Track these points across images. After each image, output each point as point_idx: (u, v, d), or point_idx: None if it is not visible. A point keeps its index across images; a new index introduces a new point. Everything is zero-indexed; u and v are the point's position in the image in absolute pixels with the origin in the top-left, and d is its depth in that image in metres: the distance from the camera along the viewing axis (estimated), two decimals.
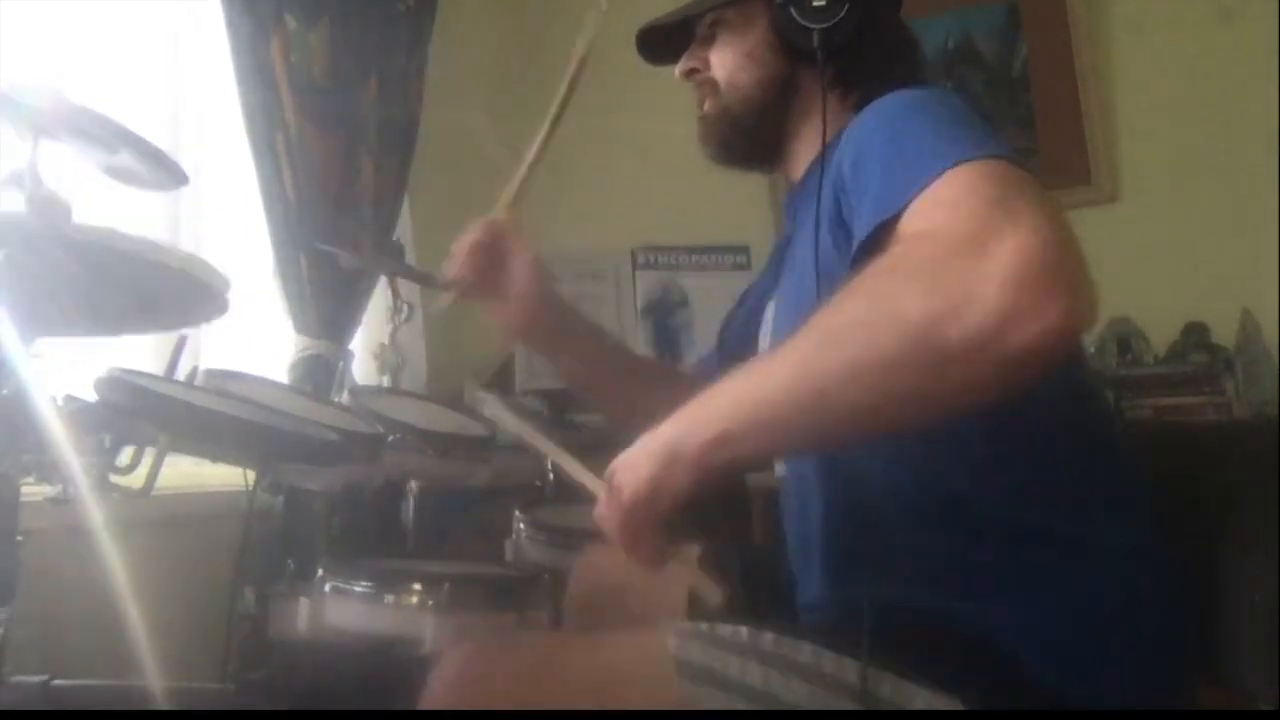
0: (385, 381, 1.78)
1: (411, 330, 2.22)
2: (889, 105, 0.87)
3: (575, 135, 3.00)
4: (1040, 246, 0.66)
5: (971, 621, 0.82)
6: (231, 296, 1.07)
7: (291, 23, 2.00)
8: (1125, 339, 2.22)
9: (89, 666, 1.30)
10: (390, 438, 1.29)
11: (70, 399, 0.97)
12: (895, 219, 0.75)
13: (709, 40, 1.12)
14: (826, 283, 0.86)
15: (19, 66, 1.54)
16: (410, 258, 2.26)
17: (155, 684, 1.12)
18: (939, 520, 0.88)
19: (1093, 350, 2.25)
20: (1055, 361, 0.67)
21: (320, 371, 2.02)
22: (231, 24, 1.97)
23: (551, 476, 1.96)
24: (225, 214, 2.01)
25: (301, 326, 2.06)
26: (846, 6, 0.99)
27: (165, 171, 1.10)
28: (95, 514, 1.00)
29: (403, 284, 1.86)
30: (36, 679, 1.08)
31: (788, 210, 1.13)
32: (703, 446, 0.77)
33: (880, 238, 0.77)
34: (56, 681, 1.09)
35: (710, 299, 1.96)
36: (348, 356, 2.10)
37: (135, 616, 1.19)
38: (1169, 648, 0.87)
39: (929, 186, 0.74)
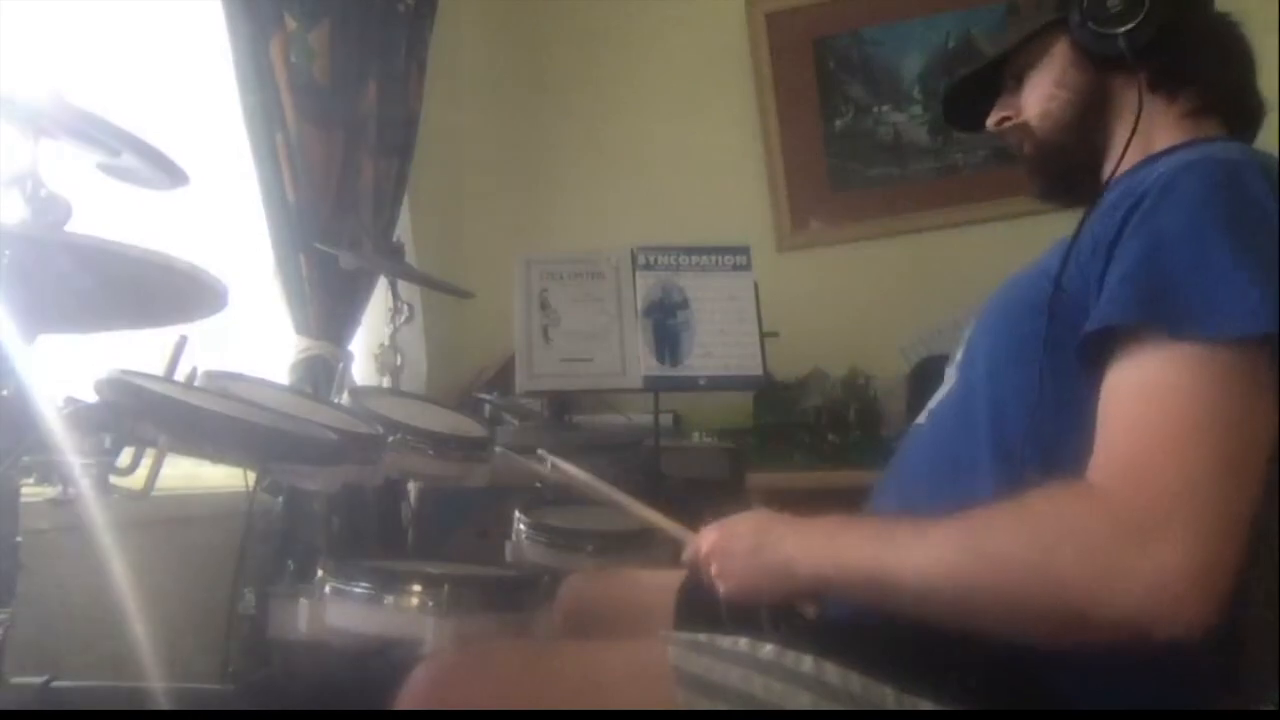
0: (385, 382, 1.78)
1: (411, 331, 2.22)
2: (1207, 196, 0.79)
3: (576, 136, 3.02)
4: (1190, 555, 0.68)
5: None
6: (230, 294, 1.07)
7: (291, 23, 2.00)
8: None
9: (89, 666, 1.30)
10: (390, 438, 1.29)
11: (70, 399, 0.97)
12: (1124, 328, 0.75)
13: (1017, 85, 1.07)
14: (1059, 286, 0.84)
15: (20, 67, 1.53)
16: (410, 258, 2.26)
17: (155, 684, 1.12)
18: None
19: None
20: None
21: (320, 372, 2.02)
22: (231, 24, 1.97)
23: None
24: (225, 214, 2.01)
25: (301, 327, 2.06)
26: (1147, 5, 0.94)
27: (166, 172, 1.10)
28: (95, 515, 1.00)
29: (403, 284, 1.86)
30: (36, 679, 1.08)
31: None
32: (813, 586, 0.84)
33: (1103, 339, 0.77)
34: (56, 682, 1.09)
35: (710, 299, 1.95)
36: (347, 357, 2.10)
37: (135, 616, 1.19)
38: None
39: (1172, 347, 0.73)
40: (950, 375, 0.99)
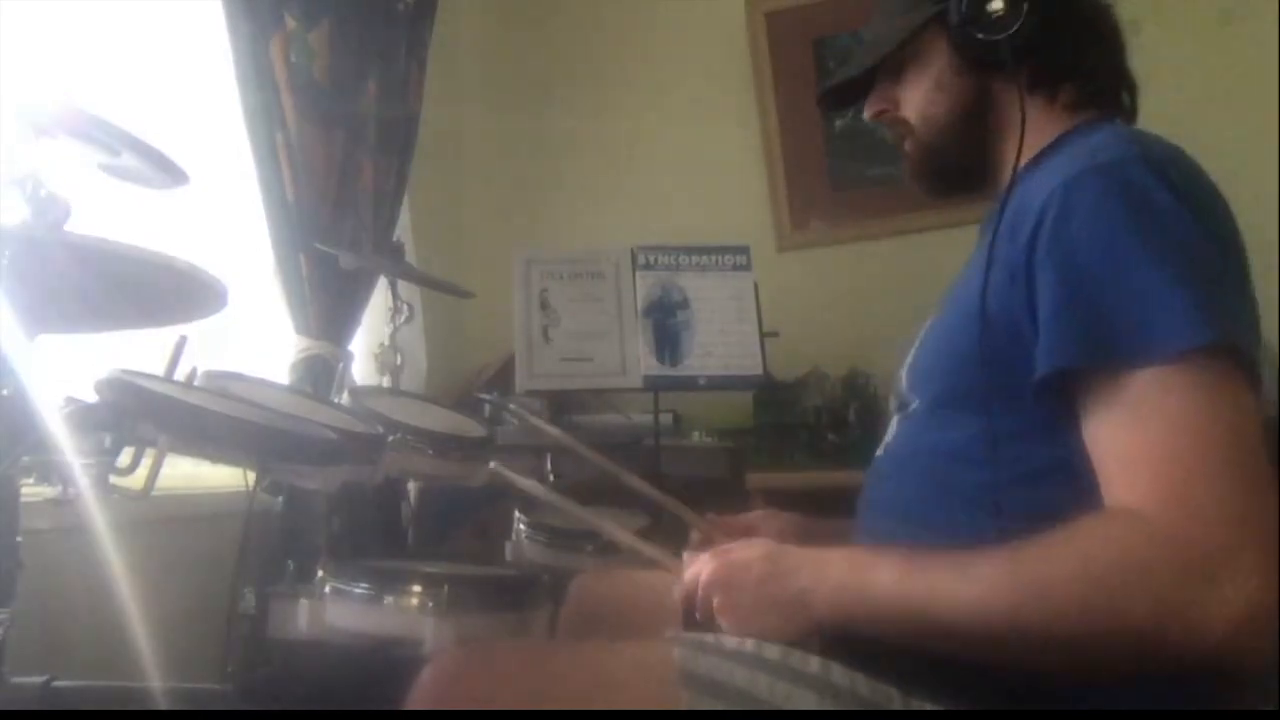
0: (385, 382, 1.78)
1: (411, 331, 2.22)
2: (1109, 211, 0.79)
3: (576, 136, 3.01)
4: (1267, 584, 0.67)
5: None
6: (230, 294, 1.08)
7: (291, 23, 2.00)
8: None
9: (89, 666, 1.30)
10: (390, 438, 1.29)
11: (70, 399, 0.97)
12: (1114, 372, 0.75)
13: (894, 79, 1.05)
14: (985, 322, 0.84)
15: (21, 67, 1.53)
16: (410, 258, 2.26)
17: (155, 684, 1.12)
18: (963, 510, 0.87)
19: None
20: None
21: (320, 372, 2.02)
22: (231, 24, 1.97)
23: (551, 478, 1.96)
24: (225, 214, 2.01)
25: (301, 327, 2.06)
26: (1026, 6, 0.93)
27: (166, 172, 1.10)
28: (95, 515, 1.00)
29: (403, 284, 1.86)
30: (36, 679, 1.08)
31: (982, 228, 1.04)
32: (833, 622, 0.79)
33: (1063, 378, 0.77)
34: (56, 682, 1.09)
35: (710, 299, 1.95)
36: (347, 357, 2.10)
37: (135, 616, 1.19)
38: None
39: (1141, 374, 0.74)
40: (894, 426, 0.99)
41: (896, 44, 1.02)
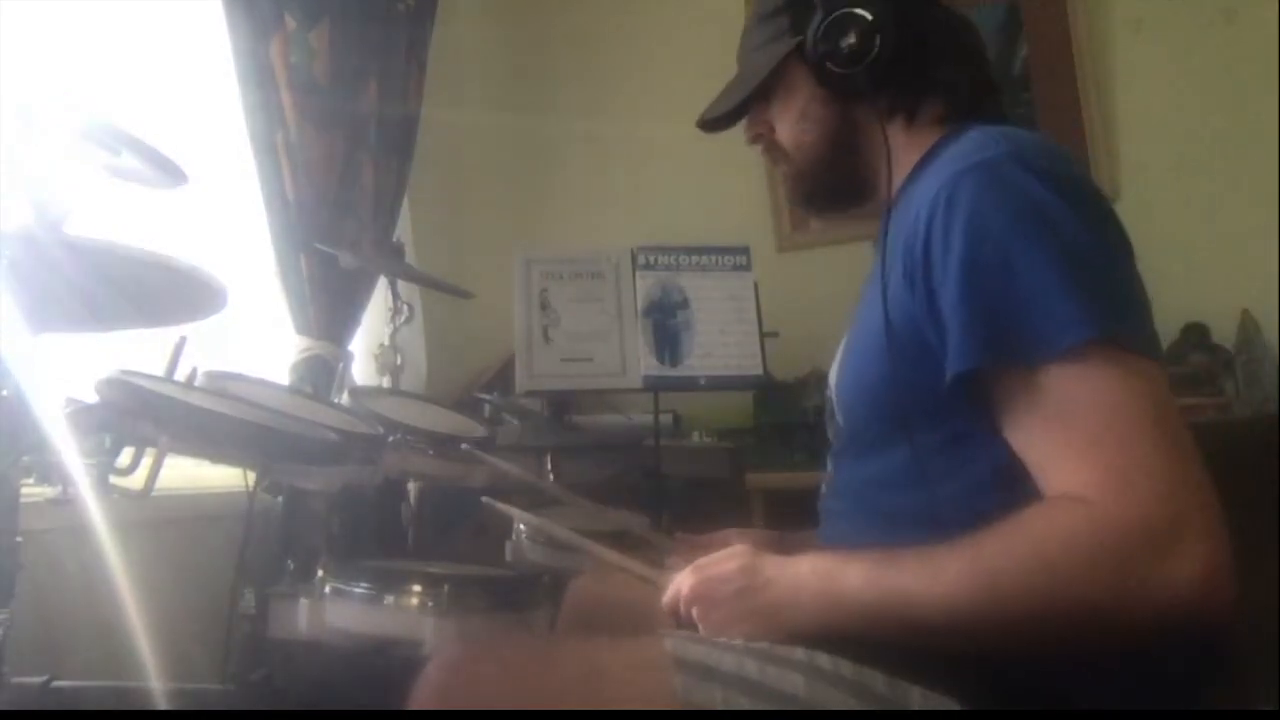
0: (385, 382, 1.78)
1: (411, 331, 2.22)
2: (991, 208, 0.81)
3: (576, 136, 3.02)
4: (1219, 544, 0.70)
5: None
6: (230, 294, 1.08)
7: (291, 23, 2.00)
8: None
9: (89, 666, 1.30)
10: (390, 438, 1.29)
11: (70, 400, 0.97)
12: (1023, 371, 0.77)
13: (766, 105, 1.09)
14: (891, 339, 0.86)
15: (21, 67, 1.53)
16: (410, 258, 2.26)
17: (155, 684, 1.12)
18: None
19: None
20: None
21: (320, 372, 2.02)
22: (231, 24, 1.98)
23: (551, 477, 1.96)
24: (225, 214, 2.01)
25: (301, 327, 2.06)
26: (878, 38, 0.95)
27: (166, 172, 1.10)
28: (95, 515, 1.00)
29: (403, 284, 1.86)
30: (36, 679, 1.08)
31: (875, 246, 1.05)
32: (805, 628, 0.80)
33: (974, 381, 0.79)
34: (56, 681, 1.09)
35: (710, 299, 1.95)
36: (348, 357, 2.10)
37: (135, 617, 1.19)
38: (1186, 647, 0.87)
39: (1050, 369, 0.75)
40: (830, 464, 1.02)
41: (758, 80, 1.06)
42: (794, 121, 1.06)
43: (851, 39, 0.97)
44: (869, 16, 0.96)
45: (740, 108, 1.10)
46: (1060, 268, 0.77)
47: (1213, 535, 0.70)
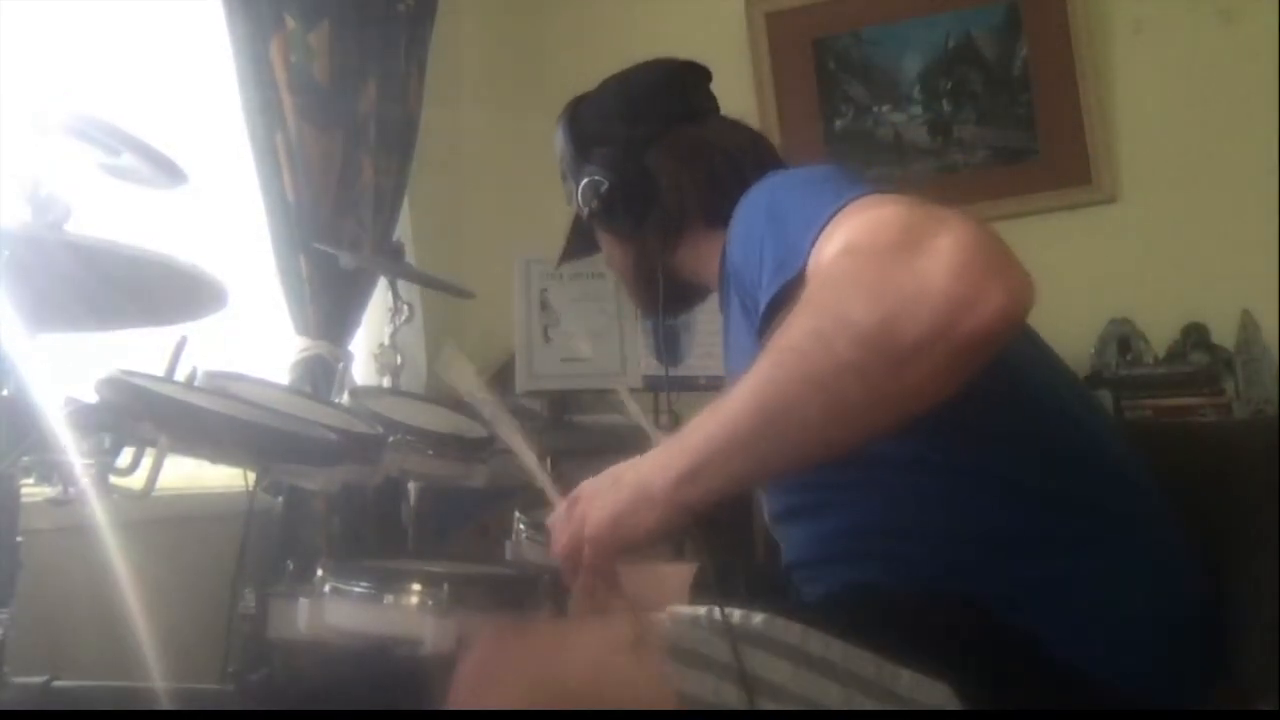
0: (385, 382, 1.78)
1: (411, 331, 2.22)
2: (756, 193, 0.93)
3: None
4: (973, 237, 0.69)
5: (990, 598, 0.83)
6: (230, 294, 1.08)
7: (291, 23, 2.00)
8: (1125, 339, 2.23)
9: (89, 666, 1.30)
10: (390, 438, 1.29)
11: (70, 399, 0.97)
12: (801, 273, 0.79)
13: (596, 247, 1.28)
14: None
15: (21, 67, 1.54)
16: (410, 258, 2.26)
17: (155, 684, 1.12)
18: (954, 492, 0.89)
19: (1093, 350, 2.25)
20: (1004, 343, 0.69)
21: (320, 372, 2.02)
22: (231, 24, 1.98)
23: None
24: (225, 214, 2.01)
25: (301, 327, 2.06)
26: (621, 188, 1.11)
27: (166, 172, 1.10)
28: (95, 515, 1.00)
29: (403, 284, 1.86)
30: (36, 679, 1.08)
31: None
32: (672, 485, 0.79)
33: (790, 294, 0.79)
34: (57, 681, 1.09)
35: (709, 299, 1.95)
36: (348, 357, 2.10)
37: (135, 617, 1.19)
38: (1192, 627, 0.88)
39: (826, 227, 0.78)
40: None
41: (568, 236, 1.30)
42: (609, 260, 1.26)
43: (594, 201, 1.13)
44: (600, 179, 1.13)
45: (573, 255, 1.34)
46: (798, 197, 0.86)
47: (965, 227, 0.70)
